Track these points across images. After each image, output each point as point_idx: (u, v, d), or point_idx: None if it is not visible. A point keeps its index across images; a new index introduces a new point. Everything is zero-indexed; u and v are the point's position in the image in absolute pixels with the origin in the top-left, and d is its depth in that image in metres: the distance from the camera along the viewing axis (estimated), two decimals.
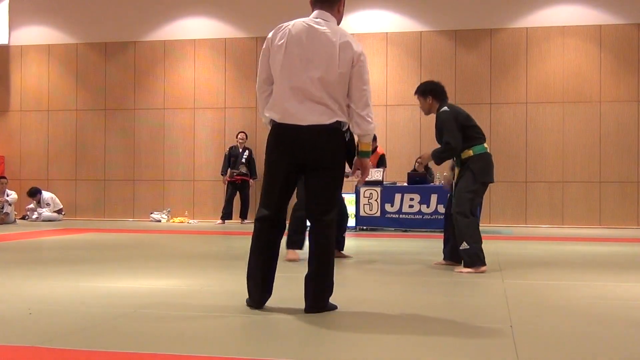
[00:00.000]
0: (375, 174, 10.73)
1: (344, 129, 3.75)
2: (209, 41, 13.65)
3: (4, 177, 12.90)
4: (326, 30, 3.75)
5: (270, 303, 3.83)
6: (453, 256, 5.81)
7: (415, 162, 11.51)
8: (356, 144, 3.95)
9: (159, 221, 13.03)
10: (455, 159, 5.83)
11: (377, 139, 11.17)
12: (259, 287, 3.78)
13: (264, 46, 3.92)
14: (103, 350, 2.87)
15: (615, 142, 12.21)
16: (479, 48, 12.68)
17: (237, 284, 4.81)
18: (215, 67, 13.65)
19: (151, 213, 13.30)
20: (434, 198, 10.41)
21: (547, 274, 5.52)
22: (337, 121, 3.68)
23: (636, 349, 3.01)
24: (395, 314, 3.76)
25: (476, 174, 5.57)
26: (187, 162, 13.67)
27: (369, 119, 3.72)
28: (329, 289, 3.78)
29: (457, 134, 5.53)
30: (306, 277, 3.75)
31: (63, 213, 13.31)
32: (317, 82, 3.65)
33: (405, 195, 10.55)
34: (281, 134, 3.72)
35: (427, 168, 11.51)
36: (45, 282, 4.90)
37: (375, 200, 10.57)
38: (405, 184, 10.87)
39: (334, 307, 3.80)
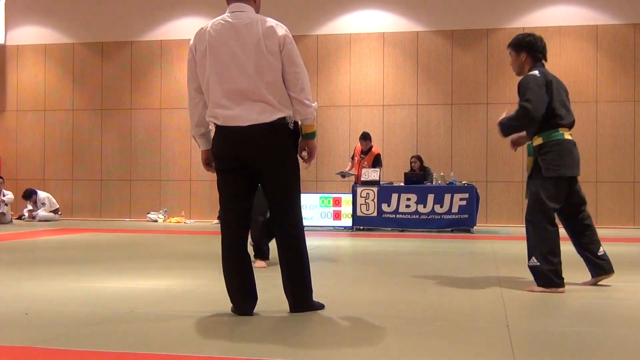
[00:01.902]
0: (371, 174, 10.74)
1: (291, 123, 3.55)
2: None
3: (0, 177, 12.88)
4: (246, 22, 3.59)
5: (269, 303, 3.82)
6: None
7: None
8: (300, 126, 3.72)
9: (156, 221, 13.02)
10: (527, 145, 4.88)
11: (372, 139, 11.20)
12: (240, 294, 3.64)
13: (189, 56, 3.63)
14: (99, 351, 2.86)
15: (612, 142, 12.23)
16: (476, 48, 12.69)
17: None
18: None
19: (148, 213, 13.29)
20: (430, 198, 10.42)
21: None
22: (280, 118, 3.49)
23: (633, 349, 3.02)
24: (392, 314, 3.76)
25: (545, 167, 4.56)
26: (183, 162, 13.66)
27: (307, 102, 3.53)
28: (307, 289, 3.70)
29: (542, 98, 4.47)
30: (283, 282, 3.69)
31: (59, 213, 13.28)
32: (251, 79, 3.46)
33: (401, 195, 10.56)
34: (226, 136, 3.54)
35: (424, 168, 11.53)
36: (41, 282, 4.89)
37: (372, 200, 10.57)
38: (402, 184, 10.88)
39: (320, 306, 3.74)
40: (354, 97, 12.97)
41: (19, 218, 13.33)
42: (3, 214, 12.22)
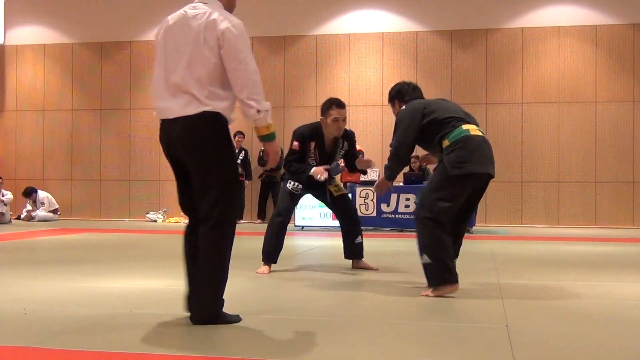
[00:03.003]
0: (371, 174, 10.74)
1: (229, 118, 3.40)
2: None
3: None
4: (197, 13, 3.44)
5: (269, 303, 3.82)
6: None
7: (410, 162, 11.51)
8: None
9: (155, 221, 13.02)
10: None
11: (367, 138, 11.19)
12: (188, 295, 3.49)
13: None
14: (98, 351, 2.86)
15: (611, 142, 12.24)
16: (475, 48, 12.70)
17: (232, 284, 4.81)
18: None
19: (147, 213, 13.28)
20: None
21: (542, 274, 5.53)
22: (204, 112, 3.31)
23: (632, 349, 3.02)
24: (390, 314, 3.76)
25: (450, 165, 4.24)
26: None
27: (250, 102, 3.30)
28: (213, 297, 3.38)
29: (407, 134, 4.39)
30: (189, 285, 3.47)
31: (58, 213, 13.28)
32: (185, 71, 3.33)
33: (401, 195, 10.56)
34: (160, 129, 3.51)
35: (423, 168, 11.53)
36: (40, 283, 4.89)
37: (371, 200, 10.58)
38: (401, 184, 10.88)
39: (233, 320, 3.39)
40: (353, 97, 12.97)
41: (18, 218, 13.32)
42: (2, 214, 12.21)
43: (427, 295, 4.22)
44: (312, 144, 5.58)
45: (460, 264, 6.32)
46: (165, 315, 3.66)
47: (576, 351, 2.95)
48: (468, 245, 8.34)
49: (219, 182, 3.38)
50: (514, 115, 12.54)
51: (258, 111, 3.32)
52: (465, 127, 4.30)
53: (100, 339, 3.09)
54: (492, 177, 4.45)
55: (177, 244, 8.83)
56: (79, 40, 14.13)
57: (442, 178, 4.25)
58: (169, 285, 4.83)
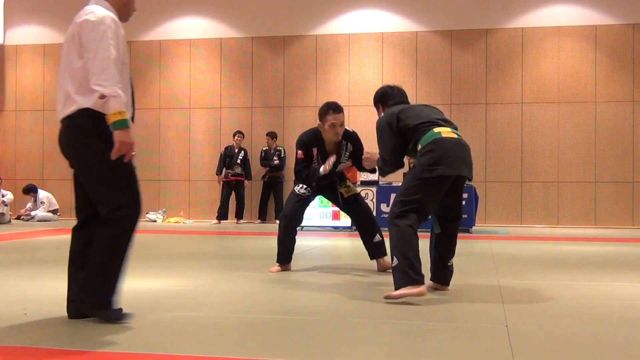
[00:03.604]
0: (371, 174, 10.74)
1: (89, 114, 3.35)
2: (204, 41, 13.64)
3: None
4: (79, 12, 3.51)
5: (269, 303, 3.82)
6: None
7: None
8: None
9: (155, 221, 13.02)
10: None
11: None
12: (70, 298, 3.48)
13: None
14: (99, 351, 2.86)
15: (611, 142, 12.24)
16: (475, 48, 12.70)
17: (232, 284, 4.81)
18: (211, 67, 13.64)
19: (147, 213, 13.28)
20: None
21: (542, 274, 5.53)
22: (75, 110, 3.33)
23: (632, 349, 3.02)
24: (390, 314, 3.76)
25: (420, 168, 4.19)
26: (182, 162, 13.66)
27: (97, 87, 3.24)
28: (97, 293, 3.36)
29: (386, 142, 4.39)
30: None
31: (58, 214, 13.27)
32: (64, 72, 3.40)
33: None
34: None
35: None
36: (40, 283, 4.89)
37: (371, 200, 10.57)
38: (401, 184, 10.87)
39: (114, 317, 3.36)
40: (353, 97, 12.97)
41: (18, 218, 13.32)
42: (2, 214, 12.21)
43: (388, 297, 4.03)
44: (314, 150, 5.59)
45: (460, 264, 6.33)
46: (164, 315, 3.66)
47: (576, 351, 2.95)
48: (468, 245, 8.35)
49: (104, 178, 3.41)
50: (514, 115, 12.54)
51: (103, 96, 3.23)
52: (437, 130, 4.23)
53: (100, 339, 3.09)
54: (468, 178, 4.36)
55: (177, 244, 8.88)
56: None
57: (412, 180, 4.22)
58: (169, 285, 4.83)
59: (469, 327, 3.39)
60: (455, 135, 4.27)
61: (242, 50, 13.47)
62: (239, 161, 12.74)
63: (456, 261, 6.62)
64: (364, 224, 5.78)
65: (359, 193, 5.98)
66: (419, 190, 4.15)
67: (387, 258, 5.61)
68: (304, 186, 5.62)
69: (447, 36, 12.78)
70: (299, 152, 5.60)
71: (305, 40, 13.19)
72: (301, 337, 3.19)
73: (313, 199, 5.88)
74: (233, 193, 12.77)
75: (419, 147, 4.25)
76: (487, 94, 12.64)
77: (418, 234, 4.13)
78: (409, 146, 4.35)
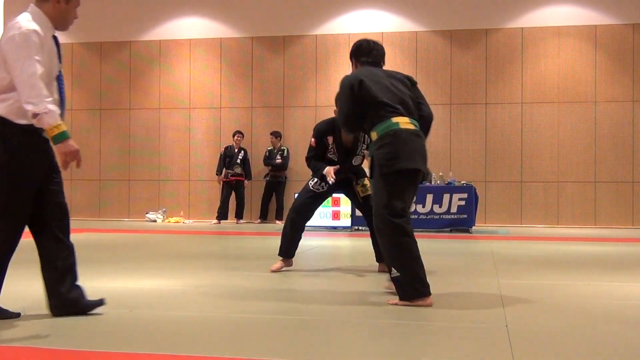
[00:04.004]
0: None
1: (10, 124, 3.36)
2: (204, 41, 13.64)
3: None
4: (10, 24, 3.54)
5: (268, 303, 3.81)
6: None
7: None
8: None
9: (155, 221, 13.02)
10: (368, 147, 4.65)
11: None
12: None
13: None
14: (98, 351, 2.86)
15: (610, 142, 12.24)
16: (475, 48, 12.70)
17: (232, 284, 4.81)
18: (211, 67, 13.64)
19: (147, 213, 13.28)
20: (429, 198, 10.42)
21: (542, 273, 5.53)
22: None
23: (632, 349, 3.02)
24: (390, 314, 3.76)
25: (379, 165, 4.05)
26: (182, 162, 13.66)
27: (28, 106, 3.25)
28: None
29: (345, 109, 4.20)
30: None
31: None
32: None
33: None
34: None
35: None
36: (39, 283, 4.88)
37: None
38: None
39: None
40: None
41: None
42: None
43: (395, 304, 3.95)
44: (330, 139, 5.43)
45: (460, 264, 6.35)
46: (165, 315, 3.66)
47: (576, 351, 2.95)
48: (468, 245, 8.35)
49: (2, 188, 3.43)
50: (514, 115, 12.54)
51: (35, 114, 3.26)
52: (395, 119, 4.04)
53: (100, 339, 3.09)
54: (424, 173, 4.16)
55: (177, 244, 8.88)
56: (79, 40, 14.12)
57: (379, 179, 4.03)
58: (169, 285, 4.83)
59: (469, 327, 3.39)
60: (412, 127, 4.10)
61: (242, 50, 13.47)
62: (238, 161, 12.74)
63: (456, 261, 6.64)
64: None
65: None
66: (388, 187, 3.98)
67: None
68: (319, 181, 5.48)
69: (447, 36, 12.78)
70: (313, 139, 5.49)
71: (305, 40, 13.19)
72: (301, 337, 3.19)
73: (330, 195, 5.71)
74: (233, 193, 12.77)
75: (374, 135, 4.09)
76: (487, 94, 12.64)
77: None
78: (366, 120, 4.16)
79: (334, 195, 11.06)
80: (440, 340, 3.12)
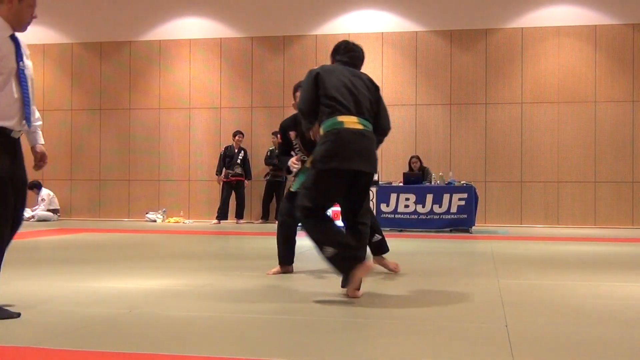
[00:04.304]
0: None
1: None
2: (204, 41, 13.64)
3: None
4: None
5: (268, 303, 3.81)
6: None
7: (410, 161, 11.51)
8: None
9: (155, 221, 13.01)
10: None
11: None
12: None
13: None
14: (98, 351, 2.86)
15: (610, 142, 12.24)
16: (475, 48, 12.70)
17: (232, 284, 4.81)
18: (211, 67, 13.64)
19: (147, 213, 13.28)
20: (429, 198, 10.42)
21: (542, 273, 5.53)
22: None
23: (631, 349, 3.02)
24: (389, 314, 3.76)
25: (315, 159, 4.15)
26: (182, 162, 13.66)
27: None
28: None
29: (306, 95, 4.27)
30: None
31: (58, 214, 13.27)
32: None
33: (400, 195, 10.56)
34: None
35: (423, 168, 11.55)
36: (39, 283, 4.88)
37: (371, 200, 10.57)
38: (401, 184, 10.88)
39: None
40: None
41: None
42: None
43: (355, 297, 4.08)
44: (292, 134, 5.39)
45: (460, 264, 6.35)
46: (165, 315, 3.66)
47: (576, 351, 2.95)
48: (468, 245, 8.35)
49: None
50: (514, 116, 12.54)
51: None
52: (341, 118, 4.08)
53: (100, 339, 3.09)
54: (370, 173, 4.18)
55: (177, 244, 8.88)
56: (78, 40, 14.12)
57: (311, 172, 4.17)
58: (169, 285, 4.83)
59: (469, 327, 3.39)
60: (359, 126, 4.11)
61: (242, 50, 13.46)
62: (238, 161, 12.74)
63: (456, 261, 6.64)
64: None
65: None
66: (316, 182, 4.10)
67: (386, 257, 5.61)
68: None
69: (447, 36, 12.78)
70: (279, 136, 5.55)
71: (305, 40, 13.19)
72: (301, 337, 3.19)
73: None
74: (233, 193, 12.77)
75: (321, 131, 4.17)
76: (487, 94, 12.64)
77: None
78: (318, 115, 4.22)
79: None
80: (440, 340, 3.12)
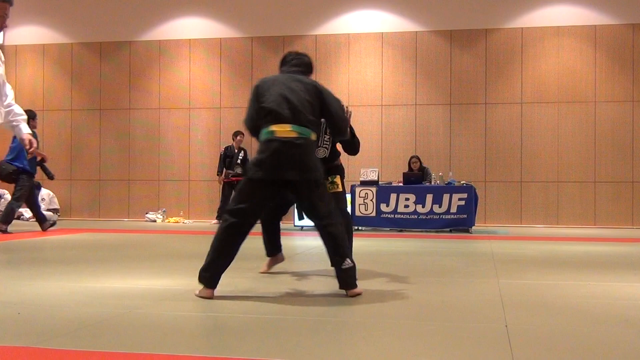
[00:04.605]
0: (370, 174, 10.75)
1: None
2: (204, 41, 13.64)
3: None
4: None
5: (268, 303, 3.82)
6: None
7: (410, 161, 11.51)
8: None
9: (154, 221, 13.01)
10: None
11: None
12: None
13: None
14: (97, 351, 2.86)
15: (610, 142, 12.25)
16: (474, 48, 12.70)
17: (231, 284, 4.81)
18: (211, 67, 13.64)
19: (146, 213, 13.28)
20: (429, 198, 10.43)
21: (542, 273, 5.53)
22: None
23: (631, 349, 3.02)
24: (389, 314, 3.76)
25: (248, 168, 4.30)
26: (182, 162, 13.66)
27: None
28: None
29: (251, 109, 4.36)
30: None
31: (58, 214, 13.26)
32: None
33: (400, 195, 10.57)
34: None
35: (423, 168, 11.55)
36: (40, 283, 4.88)
37: (371, 200, 10.58)
38: (401, 184, 10.88)
39: None
40: (353, 97, 12.96)
41: (17, 218, 13.29)
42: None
43: (354, 295, 4.19)
44: None
45: (460, 264, 6.34)
46: (164, 315, 3.66)
47: (575, 351, 2.95)
48: (468, 245, 8.35)
49: None
50: (513, 115, 12.54)
51: None
52: (273, 127, 4.15)
53: (99, 339, 3.09)
54: (303, 180, 4.19)
55: (177, 244, 8.87)
56: (78, 40, 14.12)
57: (244, 179, 4.29)
58: (169, 285, 4.83)
59: (469, 327, 3.39)
60: (293, 134, 4.14)
61: (242, 50, 13.47)
62: (239, 161, 12.74)
63: (456, 261, 6.64)
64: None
65: (344, 194, 5.42)
66: (244, 189, 4.23)
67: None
68: None
69: (447, 36, 12.78)
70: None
71: (305, 40, 13.18)
72: (300, 337, 3.19)
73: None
74: (233, 193, 12.76)
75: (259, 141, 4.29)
76: (487, 94, 12.64)
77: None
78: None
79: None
80: (440, 340, 3.12)
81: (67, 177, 14.11)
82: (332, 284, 4.86)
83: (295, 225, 10.68)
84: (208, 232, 10.56)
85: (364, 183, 10.68)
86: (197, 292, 4.20)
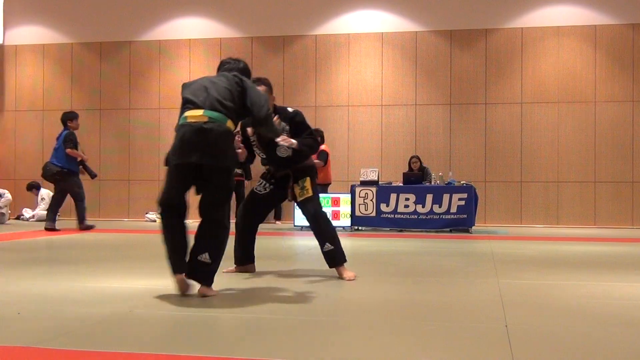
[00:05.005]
0: (370, 174, 10.75)
1: None
2: (204, 41, 13.64)
3: None
4: None
5: (268, 303, 3.81)
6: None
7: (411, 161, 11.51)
8: None
9: (155, 221, 13.00)
10: None
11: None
12: None
13: None
14: (98, 351, 2.86)
15: (610, 142, 12.25)
16: (474, 48, 12.70)
17: (231, 284, 4.81)
18: (211, 67, 13.62)
19: (146, 213, 13.28)
20: (429, 198, 10.43)
21: (542, 273, 5.53)
22: None
23: (631, 349, 3.02)
24: (389, 314, 3.76)
25: (167, 156, 4.38)
26: None
27: None
28: None
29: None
30: None
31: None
32: None
33: (400, 195, 10.57)
34: None
35: (423, 168, 11.55)
36: (39, 282, 4.88)
37: (371, 200, 10.58)
38: (401, 184, 10.88)
39: None
40: (353, 97, 12.97)
41: (17, 218, 13.30)
42: (2, 214, 12.20)
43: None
44: (249, 130, 5.34)
45: (460, 264, 6.34)
46: (165, 315, 3.66)
47: (575, 351, 2.95)
48: (468, 245, 8.35)
49: None
50: (513, 115, 12.54)
51: None
52: (187, 113, 4.23)
53: (99, 339, 3.09)
54: (211, 164, 4.26)
55: None
56: (78, 40, 14.12)
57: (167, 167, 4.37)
58: (169, 285, 4.82)
59: (469, 327, 3.39)
60: (204, 119, 4.16)
61: (242, 50, 13.46)
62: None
63: (456, 261, 6.63)
64: (313, 231, 5.37)
65: (315, 197, 5.33)
66: (167, 176, 4.37)
67: (341, 268, 5.23)
68: (263, 182, 5.47)
69: (447, 36, 12.78)
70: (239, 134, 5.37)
71: (305, 40, 13.18)
72: (301, 337, 3.19)
73: (277, 196, 5.48)
74: (233, 193, 12.75)
75: None
76: (487, 94, 12.64)
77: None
78: None
79: (334, 195, 11.10)
80: (440, 340, 3.12)
81: None
82: (331, 284, 4.86)
83: (295, 225, 10.68)
84: None
85: (364, 183, 10.68)
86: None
